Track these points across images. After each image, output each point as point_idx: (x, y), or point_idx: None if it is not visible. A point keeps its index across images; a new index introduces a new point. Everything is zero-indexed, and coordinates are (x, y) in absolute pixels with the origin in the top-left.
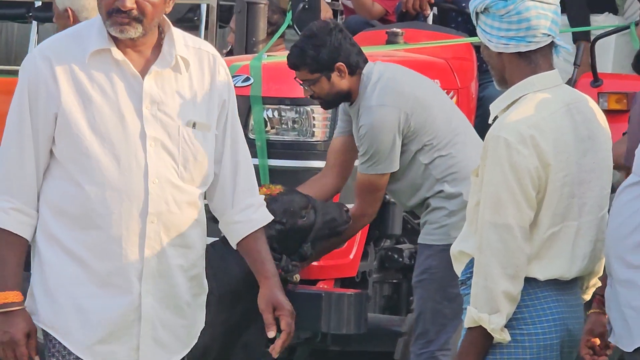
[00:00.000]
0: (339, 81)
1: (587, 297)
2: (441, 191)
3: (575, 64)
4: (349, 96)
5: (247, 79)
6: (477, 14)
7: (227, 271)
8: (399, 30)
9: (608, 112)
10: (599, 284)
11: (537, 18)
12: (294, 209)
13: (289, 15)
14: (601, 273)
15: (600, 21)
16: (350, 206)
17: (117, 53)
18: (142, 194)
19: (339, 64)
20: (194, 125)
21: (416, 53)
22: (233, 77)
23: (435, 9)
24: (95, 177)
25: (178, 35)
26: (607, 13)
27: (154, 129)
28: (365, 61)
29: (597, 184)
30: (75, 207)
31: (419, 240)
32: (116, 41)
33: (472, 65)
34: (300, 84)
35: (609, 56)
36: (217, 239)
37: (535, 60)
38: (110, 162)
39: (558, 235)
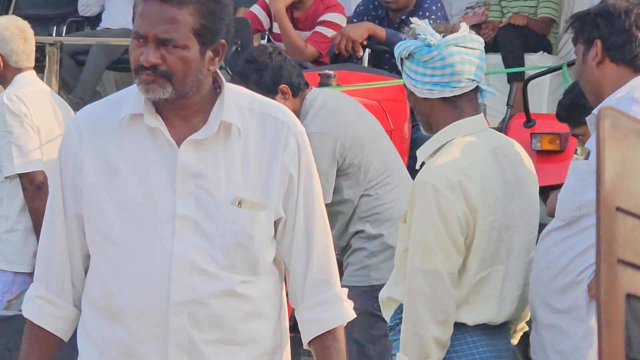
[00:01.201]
0: (283, 103)
1: (515, 341)
2: (362, 231)
3: (508, 104)
4: None
5: None
6: (402, 59)
7: None
8: (331, 72)
9: (541, 153)
10: (527, 328)
11: (461, 63)
12: None
13: None
14: (529, 317)
15: (535, 60)
16: None
17: (150, 118)
18: (164, 281)
19: (282, 86)
20: (239, 203)
21: (349, 95)
22: None
23: (368, 50)
24: (115, 263)
25: (232, 97)
26: (541, 52)
27: (187, 206)
28: (307, 84)
29: (524, 228)
30: (99, 298)
31: (342, 282)
32: (157, 105)
33: (404, 107)
34: None
35: (544, 96)
36: None
37: (460, 105)
38: (133, 245)
39: (486, 280)
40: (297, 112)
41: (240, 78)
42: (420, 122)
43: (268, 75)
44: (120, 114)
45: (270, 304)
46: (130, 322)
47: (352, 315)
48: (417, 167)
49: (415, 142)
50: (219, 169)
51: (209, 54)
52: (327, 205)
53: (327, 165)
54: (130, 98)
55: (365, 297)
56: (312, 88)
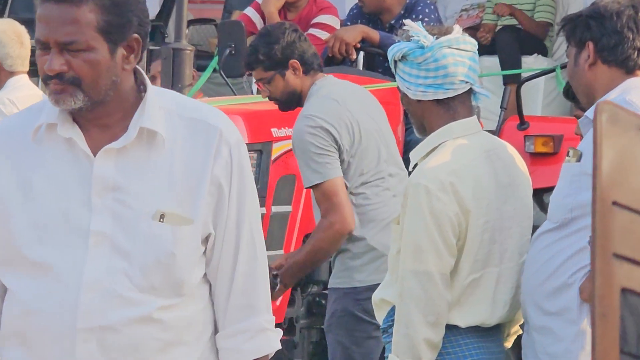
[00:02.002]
0: (293, 79)
1: (509, 344)
2: None
3: (502, 107)
4: (300, 99)
5: None
6: (395, 62)
7: None
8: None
9: (534, 155)
10: (521, 331)
11: (454, 65)
12: None
13: (215, 60)
14: (522, 320)
15: (530, 63)
16: None
17: (64, 128)
18: (72, 306)
19: (293, 61)
20: (161, 217)
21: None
22: None
23: (362, 53)
24: (26, 284)
25: (159, 100)
26: (536, 55)
27: (103, 222)
28: (320, 67)
29: (517, 231)
30: (10, 320)
31: (329, 285)
32: (74, 114)
33: (398, 110)
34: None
35: (538, 99)
36: None
37: (453, 107)
38: (44, 265)
39: (479, 282)
40: (305, 92)
41: (251, 51)
42: (413, 125)
43: (279, 49)
44: (36, 123)
45: (196, 331)
46: (37, 347)
47: (276, 346)
48: (410, 169)
49: (409, 145)
50: (141, 180)
51: (122, 52)
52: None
53: (324, 142)
54: (48, 105)
55: (348, 299)
56: (326, 76)
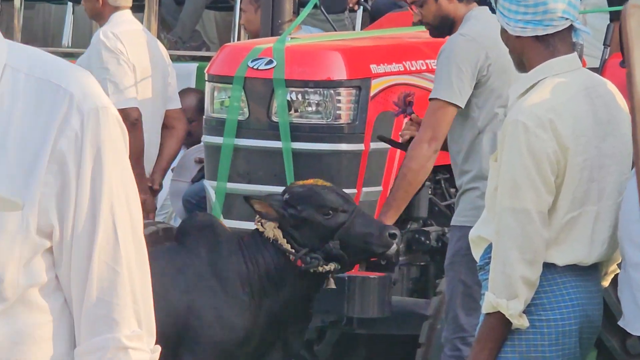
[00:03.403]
0: (446, 4)
1: (606, 283)
2: (472, 170)
3: (605, 44)
4: (452, 26)
5: (270, 62)
6: None
7: (265, 259)
8: None
9: None
10: (618, 270)
11: (554, 2)
12: (316, 203)
13: None
14: (620, 259)
15: None
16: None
17: None
18: None
19: None
20: None
21: None
22: (256, 59)
23: None
24: None
25: (2, 57)
26: None
27: None
28: None
29: (616, 169)
30: None
31: (452, 222)
32: None
33: None
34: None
35: None
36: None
37: (553, 43)
38: None
39: (577, 220)
40: (458, 19)
41: None
42: (513, 61)
43: None
44: None
45: (32, 350)
46: None
47: None
48: (509, 105)
49: None
50: None
51: None
52: (456, 131)
53: (466, 65)
54: None
55: None
56: (482, 7)
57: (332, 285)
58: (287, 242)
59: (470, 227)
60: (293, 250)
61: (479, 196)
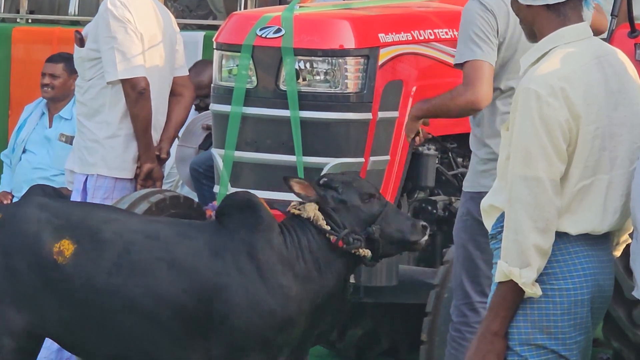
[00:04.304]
0: None
1: (618, 253)
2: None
3: (612, 14)
4: None
5: (279, 30)
6: None
7: (308, 242)
8: None
9: None
10: (630, 240)
11: None
12: (354, 186)
13: None
14: (632, 229)
15: None
16: None
17: None
18: None
19: None
20: None
21: (452, 4)
22: (264, 28)
23: None
24: None
25: None
26: None
27: None
28: None
29: (627, 138)
30: None
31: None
32: None
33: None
34: None
35: None
36: None
37: (564, 12)
38: None
39: (589, 189)
40: None
41: None
42: (524, 30)
43: None
44: None
45: None
46: None
47: None
48: (520, 74)
49: None
50: None
51: None
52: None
53: (484, 24)
54: None
55: (474, 203)
56: None
57: (352, 279)
58: (326, 224)
59: (468, 192)
60: (333, 231)
61: (477, 162)
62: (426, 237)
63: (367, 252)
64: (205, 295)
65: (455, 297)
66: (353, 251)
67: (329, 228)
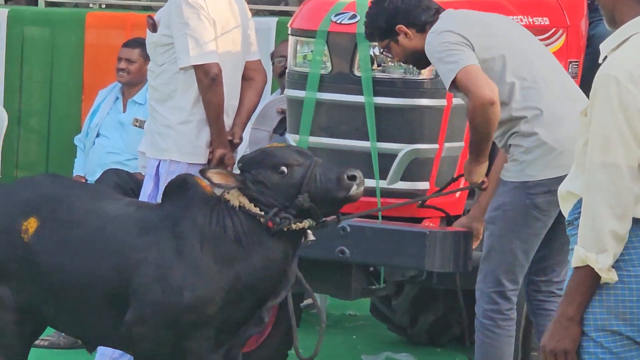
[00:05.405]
0: (408, 42)
1: None
2: (517, 132)
3: None
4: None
5: (354, 16)
6: None
7: (234, 225)
8: None
9: None
10: None
11: None
12: (267, 162)
13: None
14: None
15: None
16: None
17: None
18: None
19: (399, 26)
20: None
21: None
22: (340, 14)
23: None
24: None
25: None
26: None
27: None
28: (437, 13)
29: None
30: None
31: (500, 176)
32: None
33: (582, 3)
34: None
35: None
36: None
37: None
38: None
39: None
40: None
41: (365, 24)
42: (604, 16)
43: (382, 20)
44: None
45: None
46: None
47: None
48: (600, 60)
49: (592, 39)
50: None
51: None
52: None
53: (456, 39)
54: None
55: (517, 192)
56: (441, 15)
57: (312, 237)
58: (254, 206)
59: (512, 182)
60: (262, 213)
61: (522, 152)
62: (355, 188)
63: (305, 224)
64: (127, 271)
65: (484, 282)
66: (285, 228)
67: (257, 210)
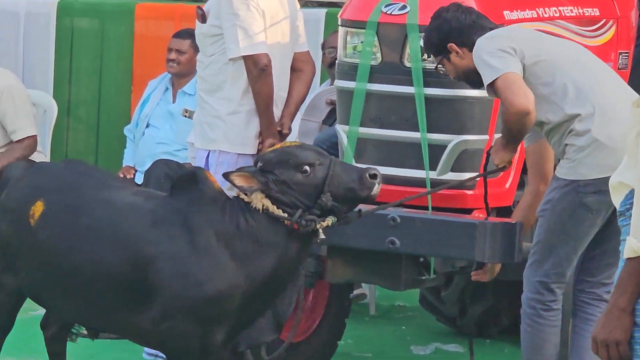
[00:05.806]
0: (459, 61)
1: None
2: (572, 130)
3: None
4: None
5: (404, 7)
6: None
7: (249, 224)
8: None
9: None
10: None
11: None
12: (290, 162)
13: None
14: None
15: None
16: None
17: None
18: None
19: (450, 44)
20: None
21: None
22: (390, 4)
23: None
24: None
25: None
26: None
27: None
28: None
29: None
30: None
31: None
32: None
33: None
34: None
35: None
36: None
37: None
38: None
39: None
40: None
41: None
42: None
43: (435, 37)
44: None
45: None
46: None
47: None
48: None
49: None
50: None
51: None
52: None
53: (498, 47)
54: None
55: (567, 190)
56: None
57: (322, 235)
58: (277, 208)
59: (563, 180)
60: (286, 215)
61: (575, 150)
62: (377, 187)
63: (328, 222)
64: (139, 263)
65: (530, 271)
66: (311, 230)
67: (280, 212)
